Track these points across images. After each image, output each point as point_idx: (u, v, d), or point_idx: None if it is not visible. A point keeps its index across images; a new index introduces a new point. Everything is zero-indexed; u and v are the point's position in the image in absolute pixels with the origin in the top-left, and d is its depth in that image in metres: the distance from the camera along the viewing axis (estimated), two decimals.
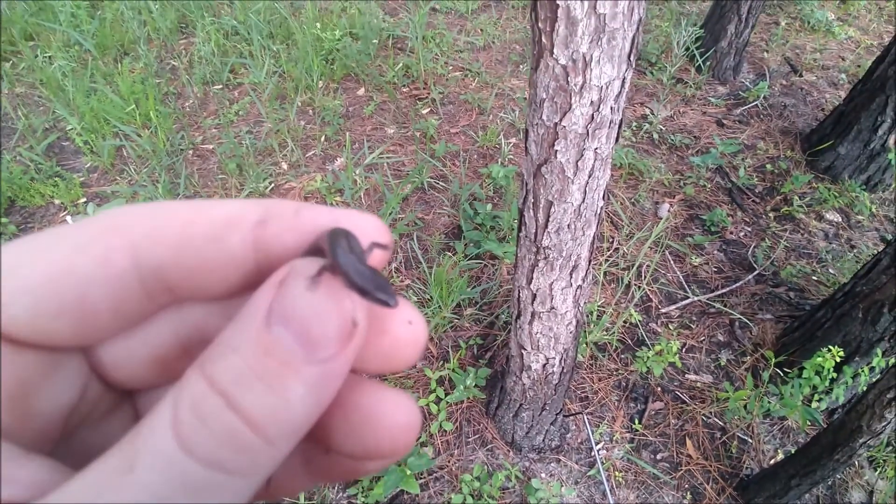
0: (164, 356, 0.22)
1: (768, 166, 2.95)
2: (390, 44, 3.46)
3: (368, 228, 0.22)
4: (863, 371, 1.76)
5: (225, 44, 3.40)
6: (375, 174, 2.66)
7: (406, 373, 2.05)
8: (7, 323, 0.18)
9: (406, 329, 0.21)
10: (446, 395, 1.95)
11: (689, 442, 1.95)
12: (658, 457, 1.92)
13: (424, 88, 3.21)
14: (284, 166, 2.76)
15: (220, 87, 3.21)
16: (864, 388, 1.72)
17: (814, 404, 1.82)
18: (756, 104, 3.31)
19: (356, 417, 0.20)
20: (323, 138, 2.90)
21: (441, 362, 2.08)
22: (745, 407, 1.89)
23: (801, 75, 3.57)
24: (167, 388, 0.22)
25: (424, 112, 3.09)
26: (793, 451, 1.71)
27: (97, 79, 3.08)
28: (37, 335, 0.18)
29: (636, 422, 1.99)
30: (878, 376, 1.55)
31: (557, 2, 0.92)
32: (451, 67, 3.39)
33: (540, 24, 0.97)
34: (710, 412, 2.01)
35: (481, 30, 3.68)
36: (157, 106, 2.92)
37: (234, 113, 3.03)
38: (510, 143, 2.88)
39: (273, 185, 2.67)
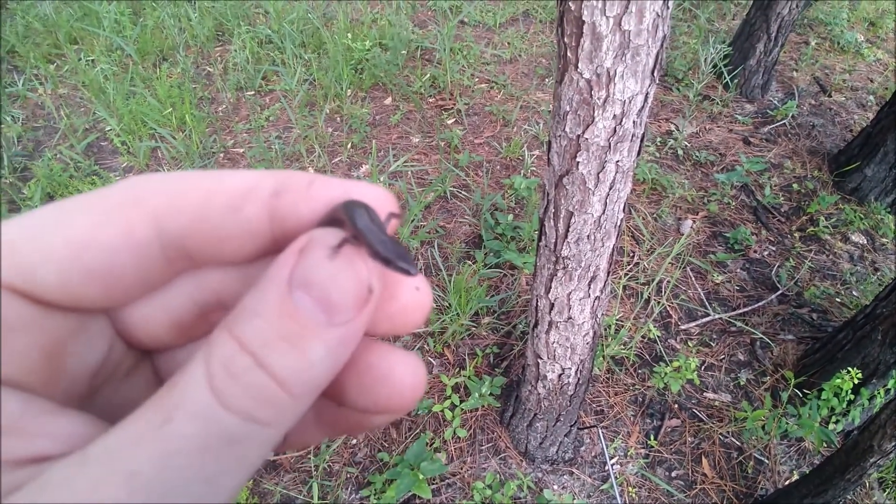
0: (183, 318, 0.23)
1: (795, 186, 2.92)
2: (418, 55, 3.53)
3: (379, 199, 0.23)
4: (878, 393, 1.73)
5: (259, 52, 3.50)
6: (399, 182, 2.71)
7: None
8: (38, 286, 0.19)
9: (414, 295, 0.23)
10: (461, 402, 1.97)
11: (704, 460, 1.93)
12: (673, 474, 1.91)
13: (450, 99, 3.26)
14: (311, 171, 2.83)
15: (253, 93, 3.31)
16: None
17: (831, 426, 1.80)
18: (784, 123, 3.28)
19: (368, 376, 0.22)
20: (349, 145, 2.97)
21: (457, 369, 2.10)
22: (762, 427, 1.87)
23: (830, 95, 3.53)
24: (186, 349, 0.25)
25: (449, 122, 3.14)
26: (808, 472, 1.69)
27: (137, 83, 3.20)
28: (66, 298, 0.20)
29: (652, 438, 1.98)
30: (893, 397, 1.53)
31: (583, 18, 0.95)
32: (477, 79, 3.43)
33: (566, 39, 1.00)
34: (728, 431, 1.99)
35: (508, 43, 3.73)
36: (192, 110, 3.03)
37: (265, 118, 3.12)
38: (533, 154, 2.91)
39: None
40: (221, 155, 2.95)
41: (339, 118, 3.14)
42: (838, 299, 2.42)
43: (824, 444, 1.76)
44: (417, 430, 1.95)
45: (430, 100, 3.28)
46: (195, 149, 2.89)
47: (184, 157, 2.87)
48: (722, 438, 1.98)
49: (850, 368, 1.76)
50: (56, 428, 0.19)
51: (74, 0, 3.78)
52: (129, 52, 3.42)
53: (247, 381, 0.18)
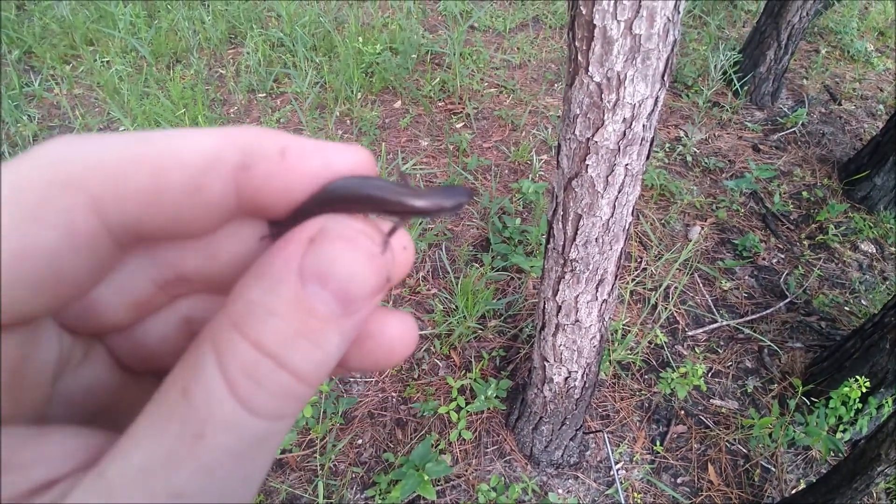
0: (139, 297, 0.21)
1: (804, 193, 2.91)
2: (428, 59, 3.56)
3: (362, 162, 0.21)
4: (886, 402, 1.72)
5: (271, 54, 3.54)
6: None
7: (428, 380, 2.08)
8: None
9: (402, 254, 0.22)
10: (467, 404, 1.97)
11: (711, 467, 1.92)
12: (678, 480, 1.90)
13: (459, 103, 3.28)
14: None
15: (264, 95, 3.34)
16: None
17: (838, 435, 1.79)
18: (794, 130, 3.28)
19: (365, 342, 0.21)
20: None
21: (463, 371, 2.10)
22: (769, 435, 1.86)
23: (840, 104, 3.52)
24: (143, 324, 0.23)
25: (458, 126, 3.16)
26: (815, 481, 1.68)
27: (150, 84, 3.25)
28: (11, 316, 0.17)
29: (657, 444, 1.97)
30: None
31: (594, 22, 0.96)
32: (486, 84, 3.45)
33: (577, 43, 1.01)
34: (734, 439, 1.98)
35: (518, 48, 3.74)
36: (204, 111, 3.06)
37: (276, 120, 3.15)
38: (541, 159, 2.92)
39: None
40: None
41: (349, 121, 3.16)
42: (847, 308, 2.41)
43: (831, 453, 1.75)
44: (423, 432, 1.95)
45: (440, 103, 3.30)
46: None
47: None
48: (728, 445, 1.97)
49: (858, 377, 1.75)
50: (46, 451, 0.18)
51: (91, 1, 3.84)
52: (144, 54, 3.47)
53: (271, 384, 0.18)
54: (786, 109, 3.46)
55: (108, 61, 3.44)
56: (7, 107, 3.08)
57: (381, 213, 0.21)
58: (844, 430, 1.81)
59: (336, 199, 0.20)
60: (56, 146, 0.17)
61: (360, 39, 3.51)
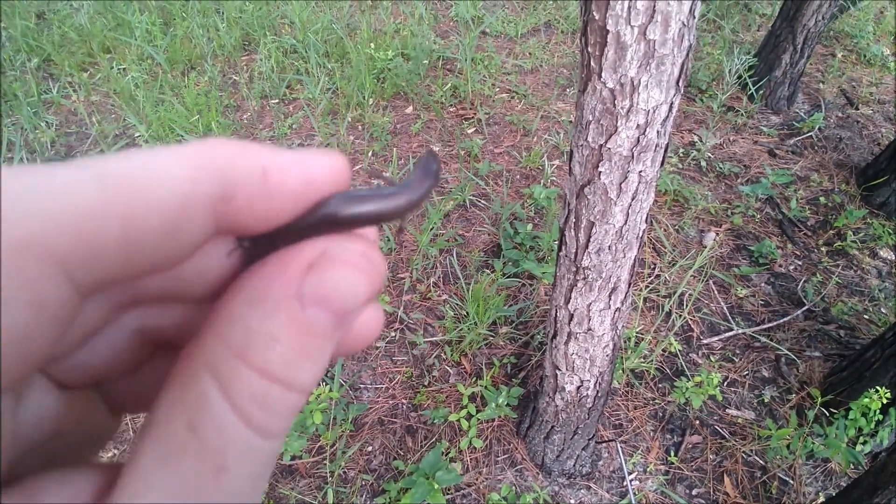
0: (87, 327, 0.20)
1: (821, 199, 2.86)
2: (440, 65, 3.56)
3: (337, 169, 0.20)
4: None
5: (283, 61, 3.57)
6: None
7: (438, 387, 2.07)
8: None
9: (366, 318, 0.22)
10: (478, 411, 1.95)
11: (727, 479, 1.89)
12: (693, 492, 1.87)
13: (471, 109, 3.28)
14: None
15: (277, 101, 3.36)
16: None
17: (858, 447, 1.74)
18: (810, 135, 3.23)
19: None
20: (370, 153, 2.99)
21: (474, 378, 2.09)
22: (787, 446, 1.82)
23: (857, 108, 3.46)
24: (87, 344, 0.21)
25: (470, 131, 3.15)
26: (834, 495, 1.63)
27: (165, 90, 3.28)
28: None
29: (672, 454, 1.94)
30: None
31: (607, 27, 0.95)
32: (497, 89, 3.45)
33: (589, 49, 1.00)
34: (751, 450, 1.94)
35: (529, 53, 3.74)
36: (218, 117, 3.09)
37: (288, 126, 3.16)
38: (553, 164, 2.90)
39: None
40: None
41: (360, 126, 3.17)
42: (866, 316, 2.36)
43: (851, 466, 1.70)
44: (433, 439, 1.94)
45: (451, 109, 3.30)
46: None
47: None
48: (745, 457, 1.93)
49: (878, 388, 1.70)
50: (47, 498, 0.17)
51: (108, 2, 3.90)
52: (159, 61, 3.51)
53: (282, 407, 0.18)
54: (802, 114, 3.41)
55: (124, 69, 3.49)
56: (26, 114, 3.13)
57: (365, 226, 0.21)
58: (865, 443, 1.76)
59: (322, 221, 0.20)
60: (7, 194, 0.14)
61: (372, 45, 3.52)
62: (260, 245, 0.20)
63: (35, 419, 0.20)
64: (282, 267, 0.18)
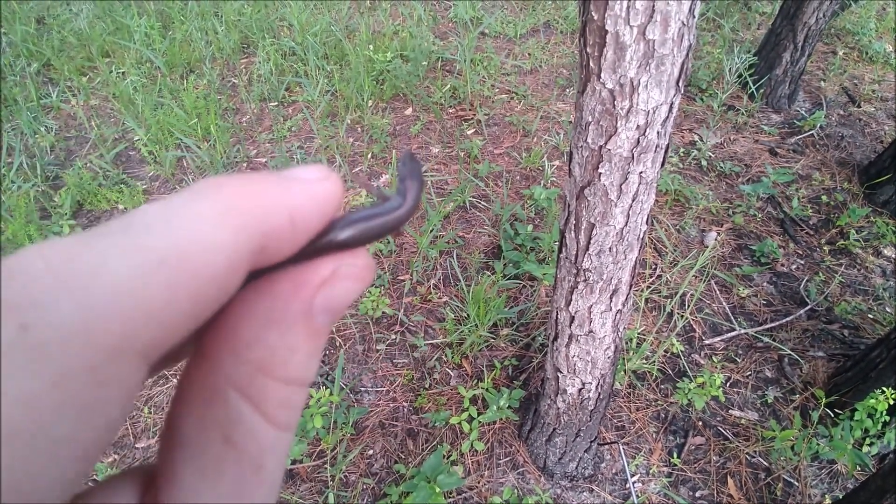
0: None
1: (823, 197, 2.85)
2: (439, 66, 3.55)
3: (339, 194, 0.22)
4: None
5: (282, 63, 3.56)
6: None
7: (439, 390, 2.06)
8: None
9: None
10: (479, 414, 1.94)
11: (730, 481, 1.87)
12: (697, 494, 1.85)
13: (470, 110, 3.27)
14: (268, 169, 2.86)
15: (276, 104, 3.36)
16: None
17: (864, 448, 1.72)
18: (812, 133, 3.21)
19: None
20: (370, 155, 2.99)
21: (475, 381, 2.07)
22: (792, 448, 1.81)
23: (858, 106, 3.45)
24: None
25: (469, 132, 3.14)
26: (840, 497, 1.62)
27: (164, 94, 3.28)
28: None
29: (675, 456, 1.93)
30: None
31: (606, 27, 0.94)
32: (497, 90, 3.44)
33: (588, 49, 0.99)
34: (755, 451, 1.93)
35: (529, 54, 3.73)
36: (217, 120, 3.08)
37: (288, 129, 3.16)
38: (553, 165, 2.89)
39: None
40: (245, 164, 2.99)
41: (360, 128, 3.17)
42: (871, 315, 2.34)
43: (858, 468, 1.69)
44: (434, 442, 1.93)
45: (451, 110, 3.29)
46: (219, 158, 2.94)
47: (208, 166, 2.92)
48: (749, 458, 1.91)
49: (884, 388, 1.69)
50: None
51: (107, 3, 3.90)
52: (158, 65, 3.51)
53: (299, 403, 0.21)
54: (803, 112, 3.39)
55: (123, 72, 3.49)
56: (25, 118, 3.13)
57: (370, 244, 0.23)
58: (871, 444, 1.75)
59: (331, 246, 0.22)
60: (87, 295, 0.14)
61: (371, 47, 3.51)
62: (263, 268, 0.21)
63: None
64: (293, 287, 0.20)
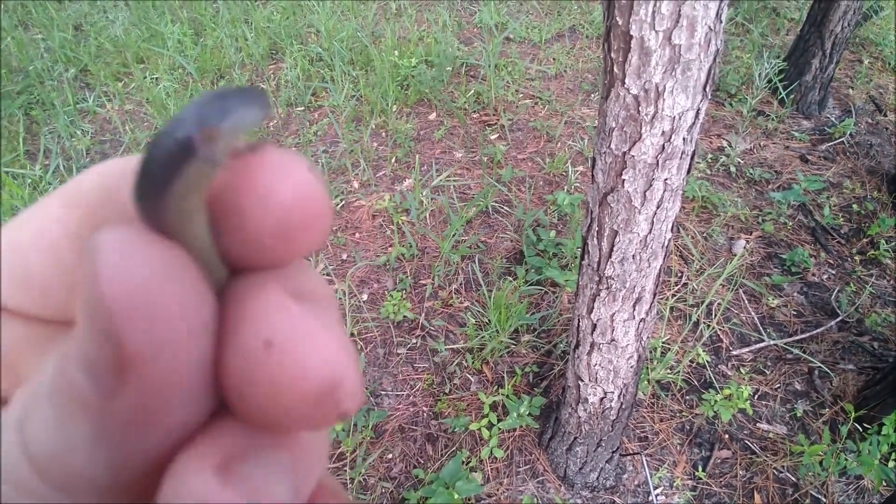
0: None
1: (854, 206, 2.77)
2: (463, 71, 3.56)
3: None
4: None
5: (309, 69, 3.62)
6: (441, 196, 2.73)
7: (459, 395, 2.06)
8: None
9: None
10: (499, 421, 1.93)
11: (757, 496, 1.82)
12: None
13: (494, 115, 3.27)
14: (355, 185, 2.89)
15: (302, 108, 3.41)
16: None
17: (891, 464, 1.66)
18: (842, 141, 3.13)
19: None
20: (393, 159, 3.01)
21: (496, 387, 2.07)
22: (820, 463, 1.76)
23: (885, 115, 3.35)
24: None
25: (493, 137, 3.14)
26: None
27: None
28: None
29: (699, 469, 1.89)
30: None
31: (631, 32, 0.93)
32: (521, 95, 3.43)
33: (612, 55, 0.99)
34: (783, 466, 1.88)
35: (553, 59, 3.71)
36: None
37: (313, 133, 3.20)
38: (577, 170, 2.87)
39: (343, 202, 2.79)
40: None
41: (384, 133, 3.19)
42: None
43: (884, 483, 1.63)
44: (454, 448, 1.92)
45: (474, 115, 3.30)
46: None
47: None
48: (776, 473, 1.86)
49: None
50: None
51: (142, 2, 4.02)
52: (190, 71, 3.60)
53: None
54: (833, 119, 3.31)
55: (156, 78, 3.59)
56: (62, 122, 3.24)
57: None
58: None
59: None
60: None
61: (397, 53, 3.54)
62: None
63: None
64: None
